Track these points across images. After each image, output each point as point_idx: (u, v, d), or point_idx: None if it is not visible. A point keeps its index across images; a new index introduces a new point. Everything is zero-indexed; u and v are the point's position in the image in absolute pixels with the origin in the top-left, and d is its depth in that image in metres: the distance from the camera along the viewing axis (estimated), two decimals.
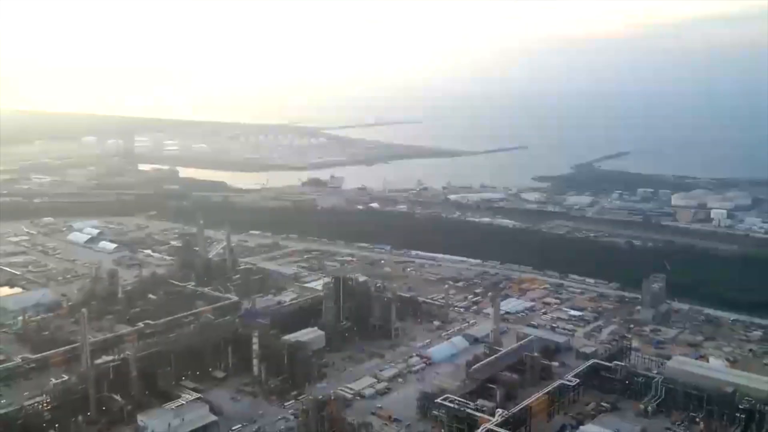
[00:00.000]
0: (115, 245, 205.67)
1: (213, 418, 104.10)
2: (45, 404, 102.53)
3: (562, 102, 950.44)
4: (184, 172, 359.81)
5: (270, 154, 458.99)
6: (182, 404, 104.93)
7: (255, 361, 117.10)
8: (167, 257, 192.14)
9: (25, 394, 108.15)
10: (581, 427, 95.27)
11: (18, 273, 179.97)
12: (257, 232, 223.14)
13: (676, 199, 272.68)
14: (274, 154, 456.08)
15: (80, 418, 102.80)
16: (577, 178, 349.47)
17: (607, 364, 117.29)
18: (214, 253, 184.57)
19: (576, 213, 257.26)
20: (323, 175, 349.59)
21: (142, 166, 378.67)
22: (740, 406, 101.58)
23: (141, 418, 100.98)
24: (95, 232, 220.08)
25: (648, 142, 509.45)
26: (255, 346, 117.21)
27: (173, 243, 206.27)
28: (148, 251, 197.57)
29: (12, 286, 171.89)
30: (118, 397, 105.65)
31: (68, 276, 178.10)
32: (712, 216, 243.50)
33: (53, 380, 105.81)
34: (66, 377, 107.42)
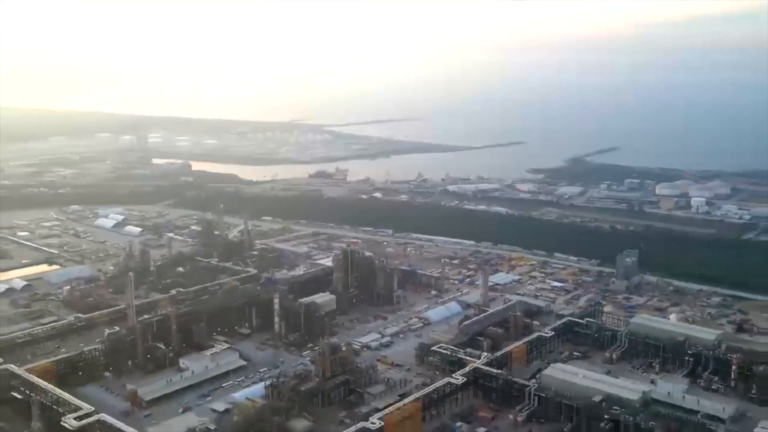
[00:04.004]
0: (140, 229, 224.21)
1: (242, 363, 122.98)
2: (100, 351, 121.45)
3: (561, 99, 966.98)
4: (196, 166, 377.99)
5: (277, 149, 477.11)
6: (216, 351, 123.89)
7: (276, 319, 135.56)
8: (189, 239, 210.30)
9: (81, 345, 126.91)
10: (551, 365, 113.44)
11: (55, 252, 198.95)
12: (269, 218, 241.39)
13: (660, 189, 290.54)
14: (281, 150, 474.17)
15: (130, 362, 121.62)
16: (570, 170, 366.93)
17: (580, 320, 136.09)
18: (232, 235, 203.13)
19: (565, 202, 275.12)
20: (328, 168, 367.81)
21: (156, 160, 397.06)
22: (689, 352, 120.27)
23: (183, 362, 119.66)
24: (120, 218, 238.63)
25: (640, 138, 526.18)
26: (276, 307, 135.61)
27: (193, 227, 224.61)
28: (171, 234, 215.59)
29: (51, 263, 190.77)
30: (161, 346, 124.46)
31: (100, 255, 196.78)
32: (692, 204, 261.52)
33: (107, 330, 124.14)
34: (117, 328, 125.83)
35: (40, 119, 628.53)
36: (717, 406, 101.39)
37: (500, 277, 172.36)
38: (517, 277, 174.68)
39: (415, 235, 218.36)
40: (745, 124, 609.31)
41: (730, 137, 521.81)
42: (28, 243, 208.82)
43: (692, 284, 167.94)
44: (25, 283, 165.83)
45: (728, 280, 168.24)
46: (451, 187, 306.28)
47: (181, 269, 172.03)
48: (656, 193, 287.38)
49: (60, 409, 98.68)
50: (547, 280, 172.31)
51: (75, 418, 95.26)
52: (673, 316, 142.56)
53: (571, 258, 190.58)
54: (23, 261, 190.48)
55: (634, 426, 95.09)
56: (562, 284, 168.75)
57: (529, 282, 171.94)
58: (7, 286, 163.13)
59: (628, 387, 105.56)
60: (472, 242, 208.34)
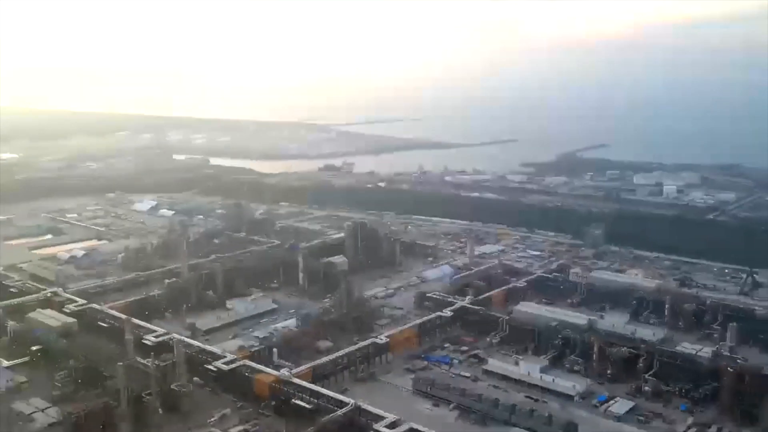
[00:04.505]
0: (173, 212, 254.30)
1: (275, 306, 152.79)
2: (161, 296, 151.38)
3: (558, 100, 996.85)
4: (213, 161, 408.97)
5: (287, 146, 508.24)
6: (254, 297, 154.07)
7: (300, 275, 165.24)
8: (217, 221, 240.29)
9: (143, 294, 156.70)
10: (521, 302, 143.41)
11: (103, 229, 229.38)
12: (285, 204, 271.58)
13: (638, 179, 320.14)
14: (290, 146, 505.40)
15: (185, 305, 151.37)
16: (559, 164, 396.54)
17: (549, 275, 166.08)
18: (257, 214, 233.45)
19: (551, 190, 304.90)
20: (336, 162, 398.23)
21: (176, 156, 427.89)
22: (635, 297, 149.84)
23: (228, 304, 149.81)
24: (154, 203, 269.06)
25: (630, 136, 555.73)
26: (300, 265, 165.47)
27: (219, 211, 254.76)
28: (201, 216, 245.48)
29: (100, 239, 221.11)
30: (210, 293, 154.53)
31: (142, 232, 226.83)
32: (664, 191, 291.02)
33: (167, 281, 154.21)
34: (175, 279, 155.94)
35: (61, 119, 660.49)
36: (568, 384, 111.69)
37: (487, 248, 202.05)
38: (501, 248, 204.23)
39: (415, 217, 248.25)
40: (734, 123, 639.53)
41: (714, 135, 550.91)
42: (78, 223, 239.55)
43: (650, 252, 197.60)
44: (84, 252, 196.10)
45: (683, 250, 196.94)
46: (448, 178, 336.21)
47: (216, 241, 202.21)
48: (634, 182, 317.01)
49: (139, 332, 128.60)
50: (527, 250, 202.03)
51: (153, 337, 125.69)
52: (629, 272, 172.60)
53: (550, 234, 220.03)
54: (77, 237, 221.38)
55: (580, 342, 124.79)
56: (539, 253, 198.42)
57: (512, 251, 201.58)
58: (69, 255, 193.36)
59: (579, 317, 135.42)
60: (465, 222, 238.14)
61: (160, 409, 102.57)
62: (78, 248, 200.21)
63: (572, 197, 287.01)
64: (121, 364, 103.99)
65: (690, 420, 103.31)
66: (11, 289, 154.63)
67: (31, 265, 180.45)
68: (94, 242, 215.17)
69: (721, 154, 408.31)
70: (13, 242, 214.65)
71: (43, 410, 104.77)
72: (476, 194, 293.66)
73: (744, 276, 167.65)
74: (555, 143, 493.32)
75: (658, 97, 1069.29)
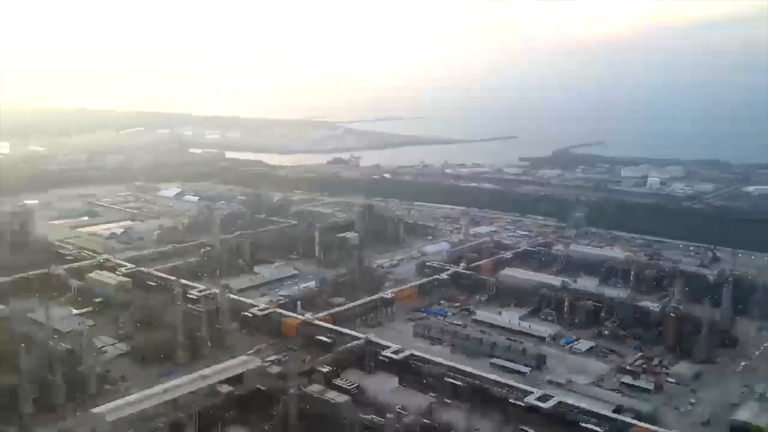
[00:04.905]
0: (197, 198, 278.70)
1: (295, 272, 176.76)
2: (197, 263, 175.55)
3: (558, 100, 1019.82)
4: (228, 154, 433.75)
5: (295, 141, 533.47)
6: (277, 264, 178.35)
7: (317, 248, 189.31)
8: (238, 205, 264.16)
9: (179, 262, 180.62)
10: (507, 268, 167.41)
11: (135, 212, 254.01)
12: (299, 192, 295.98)
13: (625, 172, 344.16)
14: (298, 142, 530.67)
15: (217, 271, 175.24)
16: (554, 159, 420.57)
17: (533, 249, 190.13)
18: (275, 199, 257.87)
19: (543, 181, 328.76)
20: (343, 156, 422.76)
21: (192, 150, 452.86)
22: (606, 266, 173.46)
23: (256, 269, 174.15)
24: (179, 190, 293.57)
25: (624, 134, 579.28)
26: (317, 239, 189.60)
27: (239, 197, 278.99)
28: (223, 202, 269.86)
29: (133, 220, 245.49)
30: (240, 261, 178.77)
31: (172, 214, 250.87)
32: (648, 182, 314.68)
33: (202, 249, 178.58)
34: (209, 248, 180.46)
35: (74, 117, 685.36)
36: (542, 328, 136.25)
37: (481, 229, 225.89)
38: (494, 229, 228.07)
39: (417, 203, 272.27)
40: (733, 123, 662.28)
41: (712, 135, 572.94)
42: (112, 206, 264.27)
43: (628, 233, 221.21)
44: (122, 230, 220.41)
45: (658, 233, 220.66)
46: (448, 170, 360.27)
47: (239, 221, 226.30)
48: (622, 175, 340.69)
49: (183, 289, 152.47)
50: (517, 231, 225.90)
51: (197, 292, 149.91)
52: (605, 248, 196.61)
53: (539, 218, 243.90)
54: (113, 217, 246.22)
55: (554, 298, 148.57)
56: (527, 233, 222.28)
57: (503, 232, 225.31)
58: (110, 232, 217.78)
59: (555, 280, 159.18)
60: (462, 208, 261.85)
61: (209, 343, 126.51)
62: (116, 227, 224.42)
63: (563, 187, 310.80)
64: (176, 307, 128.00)
65: (638, 354, 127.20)
66: (67, 257, 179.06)
67: (79, 240, 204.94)
68: (129, 222, 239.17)
69: (716, 153, 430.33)
70: (56, 222, 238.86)
71: (112, 344, 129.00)
72: (474, 184, 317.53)
73: (706, 251, 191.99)
74: (553, 141, 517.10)
75: (658, 97, 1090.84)
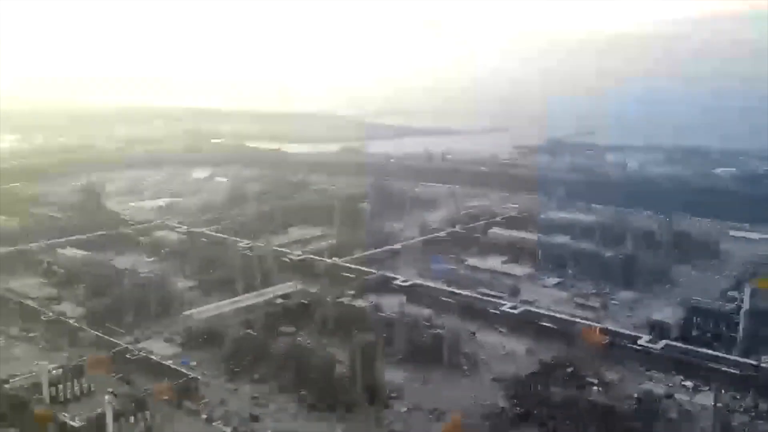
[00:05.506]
0: (226, 179, 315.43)
1: (320, 233, 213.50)
2: (237, 226, 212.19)
3: (558, 94, 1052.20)
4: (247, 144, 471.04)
5: (308, 132, 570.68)
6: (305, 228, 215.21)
7: (336, 216, 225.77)
8: (264, 185, 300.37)
9: (213, 226, 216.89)
10: (493, 227, 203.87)
11: (174, 190, 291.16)
12: (315, 174, 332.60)
13: (608, 157, 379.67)
14: (310, 132, 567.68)
15: (255, 232, 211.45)
16: (547, 147, 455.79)
17: (518, 215, 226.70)
18: (295, 180, 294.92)
19: (534, 165, 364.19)
20: (353, 144, 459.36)
21: (213, 140, 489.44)
22: (576, 227, 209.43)
23: (289, 230, 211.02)
24: (209, 173, 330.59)
25: (619, 127, 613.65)
26: (336, 209, 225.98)
27: (264, 179, 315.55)
28: (251, 182, 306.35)
29: (174, 196, 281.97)
30: (272, 225, 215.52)
31: (207, 191, 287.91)
32: (627, 166, 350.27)
33: (239, 217, 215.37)
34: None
35: (96, 112, 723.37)
36: (519, 269, 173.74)
37: (475, 202, 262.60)
38: (487, 203, 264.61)
39: (421, 182, 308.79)
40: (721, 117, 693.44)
41: (711, 131, 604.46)
42: (153, 186, 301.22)
43: (604, 207, 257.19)
44: (163, 204, 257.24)
45: (628, 204, 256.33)
46: (449, 156, 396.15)
47: (266, 195, 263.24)
48: (605, 160, 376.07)
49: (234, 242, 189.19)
50: (508, 204, 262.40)
51: (243, 244, 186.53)
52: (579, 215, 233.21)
53: (526, 195, 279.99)
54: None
55: (531, 251, 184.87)
56: (515, 206, 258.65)
57: (495, 206, 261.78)
58: (157, 205, 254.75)
59: (533, 237, 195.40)
60: (460, 186, 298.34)
61: (258, 279, 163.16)
62: (161, 201, 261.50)
63: (550, 170, 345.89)
64: (232, 252, 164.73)
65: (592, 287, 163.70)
66: (130, 222, 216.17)
67: (133, 211, 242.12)
68: (170, 199, 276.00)
69: (709, 140, 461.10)
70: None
71: (181, 282, 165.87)
72: (471, 168, 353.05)
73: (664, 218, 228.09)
74: (550, 131, 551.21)
75: (664, 90, 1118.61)
